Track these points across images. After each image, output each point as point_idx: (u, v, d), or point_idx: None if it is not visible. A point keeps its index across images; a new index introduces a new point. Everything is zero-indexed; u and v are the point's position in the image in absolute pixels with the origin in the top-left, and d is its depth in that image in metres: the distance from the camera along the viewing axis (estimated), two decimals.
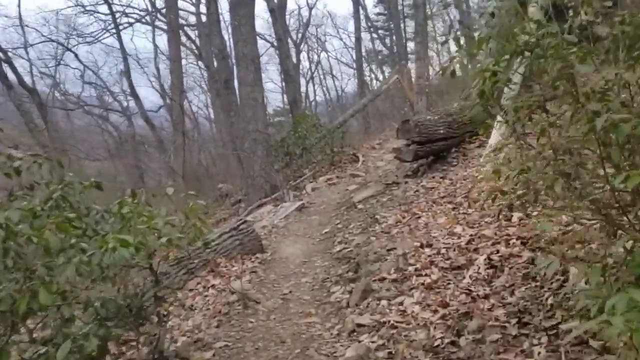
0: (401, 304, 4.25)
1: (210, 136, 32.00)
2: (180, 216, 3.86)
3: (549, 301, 3.43)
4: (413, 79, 18.25)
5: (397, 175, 8.97)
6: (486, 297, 3.86)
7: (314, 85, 37.41)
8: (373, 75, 36.76)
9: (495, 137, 8.28)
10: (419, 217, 6.27)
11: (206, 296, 5.72)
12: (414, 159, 8.32)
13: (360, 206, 8.07)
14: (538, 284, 3.74)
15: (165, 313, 4.11)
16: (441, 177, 7.72)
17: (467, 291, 4.05)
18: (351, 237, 6.71)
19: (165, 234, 3.66)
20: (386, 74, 34.17)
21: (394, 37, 32.62)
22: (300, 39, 32.77)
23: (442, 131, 8.45)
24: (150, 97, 43.72)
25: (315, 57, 37.11)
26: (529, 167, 2.29)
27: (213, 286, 5.89)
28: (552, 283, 3.63)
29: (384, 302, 4.37)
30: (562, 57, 2.02)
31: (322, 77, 38.10)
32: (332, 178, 11.29)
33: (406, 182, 8.24)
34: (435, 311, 3.93)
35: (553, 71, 2.64)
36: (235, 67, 14.06)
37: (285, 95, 27.56)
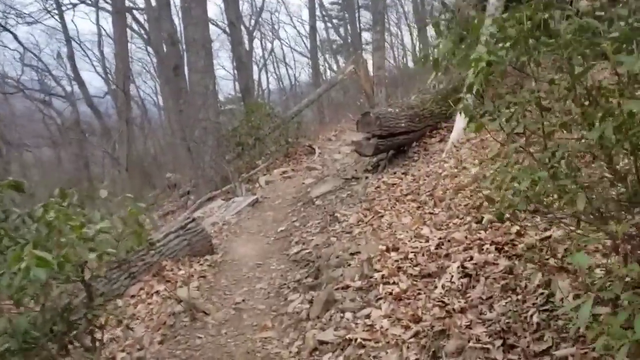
0: (368, 317, 3.83)
1: (160, 124, 30.87)
2: (117, 223, 3.29)
3: (535, 319, 3.07)
4: (370, 70, 17.92)
5: (356, 170, 8.57)
6: (462, 311, 3.49)
7: (267, 73, 36.71)
8: (327, 65, 36.33)
9: (457, 132, 8.00)
10: (382, 216, 5.89)
11: (149, 304, 5.16)
12: (375, 153, 7.93)
13: (318, 202, 7.63)
14: (519, 297, 3.38)
15: (100, 324, 3.53)
16: (403, 173, 7.36)
17: (440, 303, 3.66)
18: (309, 236, 6.26)
19: (98, 242, 3.11)
20: (341, 64, 33.78)
21: (349, 27, 32.30)
22: (253, 26, 31.96)
23: (403, 125, 8.09)
24: (93, 82, 41.88)
25: (269, 44, 36.41)
26: (539, 177, 1.88)
27: (157, 292, 5.32)
28: (536, 297, 3.28)
29: (348, 315, 3.95)
30: (593, 45, 1.60)
31: (275, 65, 37.44)
32: (287, 171, 10.80)
33: (366, 178, 7.85)
34: (407, 327, 3.54)
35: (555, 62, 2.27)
36: (185, 52, 13.36)
37: (237, 83, 26.68)
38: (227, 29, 22.71)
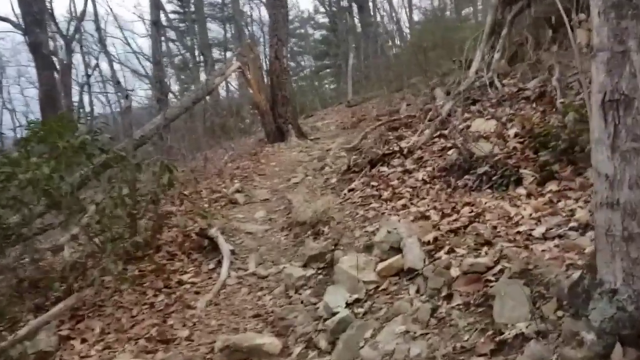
0: None
1: None
2: None
3: None
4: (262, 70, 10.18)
5: None
6: None
7: (90, 96, 25.34)
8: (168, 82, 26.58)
9: None
10: None
11: None
12: None
13: None
14: None
15: None
16: None
17: None
18: None
19: None
20: (184, 83, 24.93)
21: (195, 39, 23.96)
22: (72, 34, 20.99)
23: None
24: None
25: (93, 60, 25.19)
26: None
27: None
28: None
29: None
30: None
31: (101, 85, 26.42)
32: None
33: None
34: None
35: None
36: None
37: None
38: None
